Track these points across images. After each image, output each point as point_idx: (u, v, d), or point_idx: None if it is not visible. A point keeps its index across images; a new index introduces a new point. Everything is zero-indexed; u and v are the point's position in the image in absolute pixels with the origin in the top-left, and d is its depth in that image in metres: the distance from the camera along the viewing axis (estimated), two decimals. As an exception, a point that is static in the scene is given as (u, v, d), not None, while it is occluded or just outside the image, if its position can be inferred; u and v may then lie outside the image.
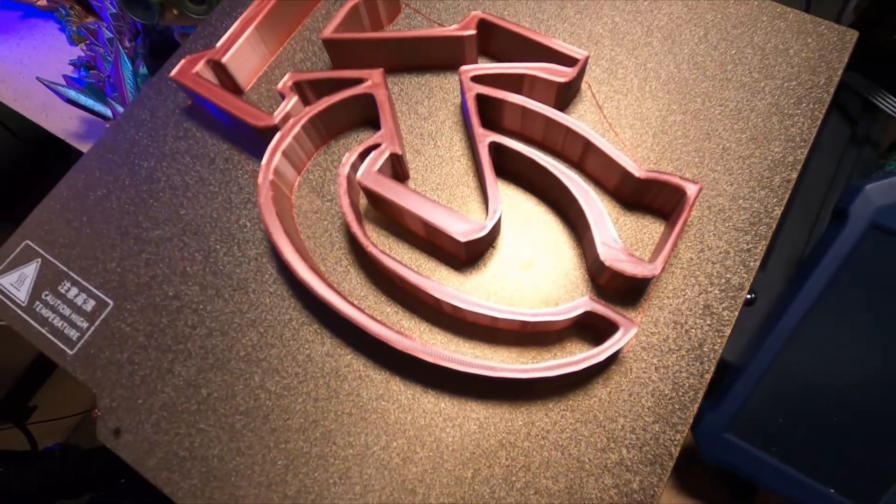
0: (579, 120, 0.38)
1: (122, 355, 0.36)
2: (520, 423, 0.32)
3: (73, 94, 0.62)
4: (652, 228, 0.36)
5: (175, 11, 0.59)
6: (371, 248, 0.33)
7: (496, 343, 0.34)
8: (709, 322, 0.33)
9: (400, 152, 0.35)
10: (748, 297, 0.47)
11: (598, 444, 0.32)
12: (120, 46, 0.64)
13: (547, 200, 0.37)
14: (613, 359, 0.33)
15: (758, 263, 0.34)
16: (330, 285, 0.34)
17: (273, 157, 0.36)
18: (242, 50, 0.40)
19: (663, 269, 0.33)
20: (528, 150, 0.35)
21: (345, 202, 0.34)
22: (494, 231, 0.34)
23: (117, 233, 0.39)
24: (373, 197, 0.35)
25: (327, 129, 0.39)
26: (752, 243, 0.35)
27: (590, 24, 0.42)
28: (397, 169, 0.37)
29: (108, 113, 0.65)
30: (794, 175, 0.36)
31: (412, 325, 0.35)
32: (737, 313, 0.34)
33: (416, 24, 0.44)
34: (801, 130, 0.37)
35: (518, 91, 0.37)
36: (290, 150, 0.37)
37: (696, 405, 0.32)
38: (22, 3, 0.78)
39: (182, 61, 0.39)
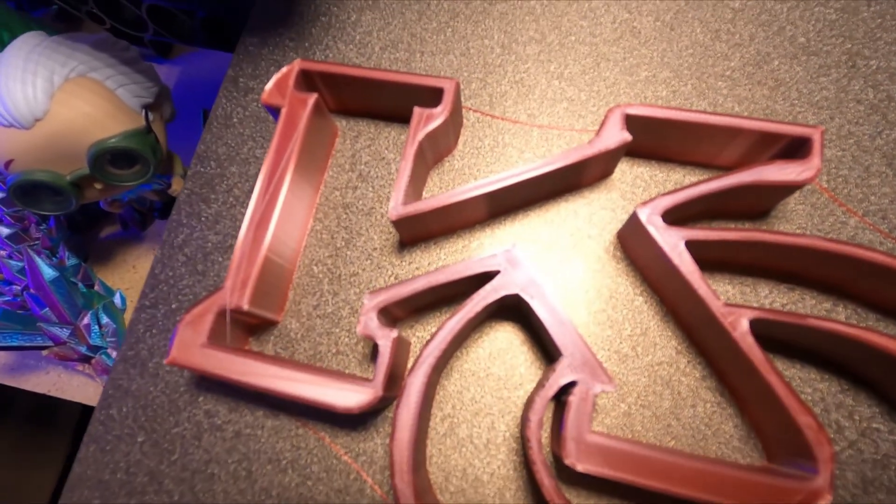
0: (800, 224, 0.25)
1: None
2: None
3: (-14, 338, 0.44)
4: None
5: (98, 186, 0.41)
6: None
7: None
8: None
9: (612, 388, 0.21)
10: None
11: None
12: (27, 247, 0.46)
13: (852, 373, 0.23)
14: None
15: None
16: None
17: (409, 468, 0.20)
18: (263, 271, 0.24)
19: None
20: (817, 322, 0.21)
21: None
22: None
23: None
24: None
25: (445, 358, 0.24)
26: None
27: (747, 82, 0.29)
28: (591, 394, 0.23)
29: (45, 340, 0.46)
30: None
31: None
32: None
33: (485, 130, 0.29)
34: None
35: (718, 206, 0.24)
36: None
37: None
38: None
39: (176, 336, 0.23)
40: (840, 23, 0.29)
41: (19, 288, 0.48)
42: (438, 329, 0.22)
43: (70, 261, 0.48)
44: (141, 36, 0.54)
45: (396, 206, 0.24)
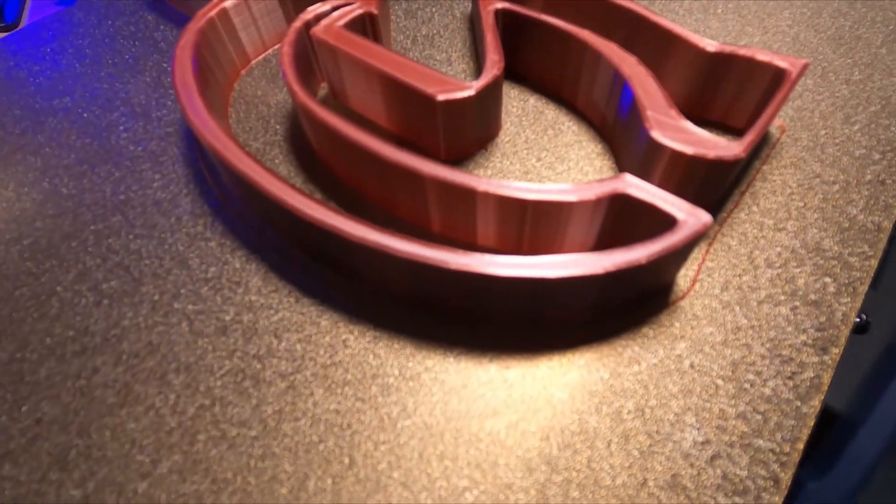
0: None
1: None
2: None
3: None
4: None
5: None
6: (303, 97, 0.22)
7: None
8: (820, 262, 0.20)
9: (376, 12, 0.26)
10: (857, 319, 0.32)
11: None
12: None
13: (565, 102, 0.26)
14: (665, 303, 0.19)
15: (900, 202, 0.22)
16: (248, 155, 0.23)
17: None
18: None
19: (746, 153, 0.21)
20: (548, 18, 0.25)
21: (287, 53, 0.25)
22: (487, 103, 0.23)
23: None
24: (332, 58, 0.26)
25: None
26: (888, 174, 0.23)
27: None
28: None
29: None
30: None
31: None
32: (875, 263, 0.20)
33: None
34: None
35: None
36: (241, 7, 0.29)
37: (819, 399, 0.17)
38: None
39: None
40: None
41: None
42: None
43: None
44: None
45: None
